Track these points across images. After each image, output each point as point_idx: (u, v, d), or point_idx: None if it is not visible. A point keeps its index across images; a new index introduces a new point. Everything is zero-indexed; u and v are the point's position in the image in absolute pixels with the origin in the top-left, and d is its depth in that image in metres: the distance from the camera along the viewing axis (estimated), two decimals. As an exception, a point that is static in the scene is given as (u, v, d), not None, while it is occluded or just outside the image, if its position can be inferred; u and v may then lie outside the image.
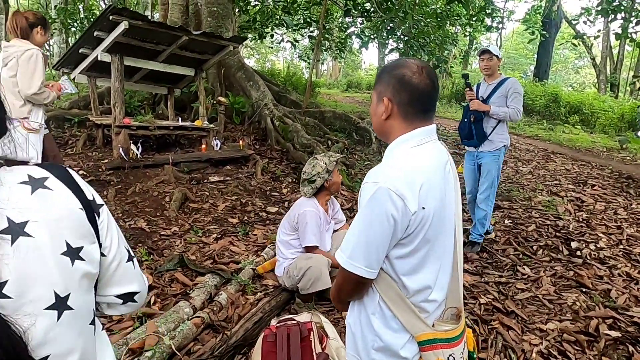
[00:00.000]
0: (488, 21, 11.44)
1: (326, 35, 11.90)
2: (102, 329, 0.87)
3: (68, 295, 0.70)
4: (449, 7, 10.01)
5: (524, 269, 3.46)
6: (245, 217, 4.26)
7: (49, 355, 0.68)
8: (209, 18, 8.07)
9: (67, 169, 0.81)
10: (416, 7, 9.07)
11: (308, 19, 11.26)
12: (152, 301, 2.64)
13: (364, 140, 7.88)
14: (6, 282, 0.63)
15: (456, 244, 1.30)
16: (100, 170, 4.96)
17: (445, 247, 1.25)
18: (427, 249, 1.19)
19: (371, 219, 1.11)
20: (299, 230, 2.75)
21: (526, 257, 3.67)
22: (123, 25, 4.61)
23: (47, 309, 0.67)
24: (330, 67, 30.83)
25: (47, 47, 23.07)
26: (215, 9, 8.08)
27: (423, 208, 1.12)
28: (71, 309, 0.70)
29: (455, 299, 1.32)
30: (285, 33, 13.40)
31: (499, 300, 2.95)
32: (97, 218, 0.79)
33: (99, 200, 0.83)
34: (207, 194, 4.75)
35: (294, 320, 2.25)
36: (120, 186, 4.56)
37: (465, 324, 1.35)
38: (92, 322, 0.79)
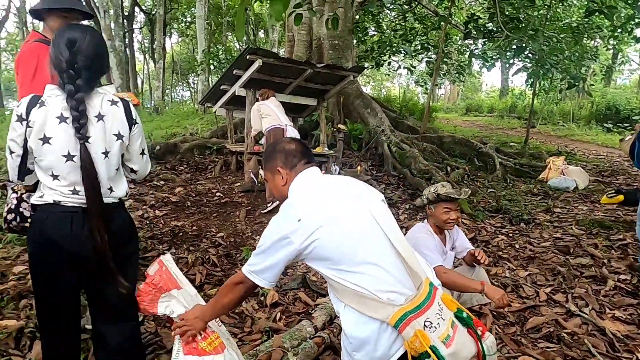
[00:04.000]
0: (638, 32, 10.02)
1: (444, 59, 11.65)
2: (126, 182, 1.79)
3: (109, 152, 1.62)
4: (587, 19, 9.05)
5: (698, 322, 2.85)
6: (363, 242, 4.30)
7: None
8: (331, 51, 8.55)
9: (129, 101, 1.73)
10: (547, 23, 8.40)
11: (425, 45, 11.20)
12: (277, 317, 2.81)
13: (486, 166, 7.43)
14: (89, 137, 1.56)
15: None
16: (233, 192, 5.52)
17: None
18: None
19: None
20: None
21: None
22: (257, 63, 5.16)
23: (101, 153, 1.60)
24: (447, 90, 30.00)
25: (192, 85, 26.78)
26: (336, 42, 8.55)
27: None
28: (108, 158, 1.62)
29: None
30: (402, 60, 13.49)
31: (665, 358, 2.47)
32: (133, 127, 1.70)
33: (138, 120, 1.73)
34: (327, 217, 4.93)
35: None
36: (250, 207, 5.00)
37: (432, 288, 1.47)
38: (117, 169, 1.69)
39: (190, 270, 3.35)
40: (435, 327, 1.35)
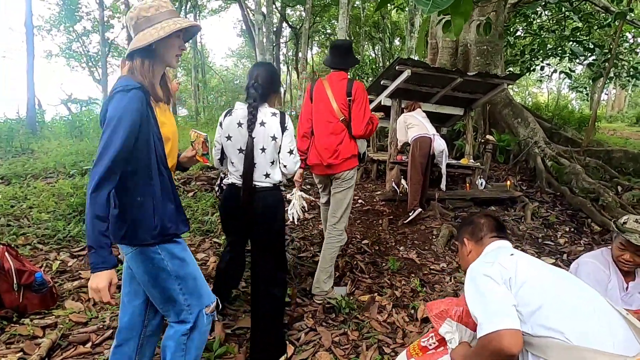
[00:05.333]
0: None
1: (614, 61, 10.10)
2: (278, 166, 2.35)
3: (266, 149, 2.25)
4: None
5: None
6: (516, 264, 3.97)
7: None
8: (478, 57, 8.13)
9: (284, 113, 2.35)
10: None
11: (587, 45, 9.87)
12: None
13: (672, 189, 6.20)
14: (255, 137, 2.25)
15: None
16: (374, 200, 5.61)
17: None
18: None
19: None
20: None
21: None
22: (406, 73, 5.16)
23: (259, 149, 2.24)
24: (611, 96, 25.96)
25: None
26: (485, 47, 8.10)
27: None
28: (265, 153, 2.25)
29: None
30: (558, 64, 12.12)
31: None
32: (285, 132, 2.29)
33: (289, 127, 2.32)
34: (472, 233, 4.67)
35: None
36: (392, 217, 5.02)
37: None
38: (272, 162, 2.28)
39: (343, 279, 3.50)
40: None
